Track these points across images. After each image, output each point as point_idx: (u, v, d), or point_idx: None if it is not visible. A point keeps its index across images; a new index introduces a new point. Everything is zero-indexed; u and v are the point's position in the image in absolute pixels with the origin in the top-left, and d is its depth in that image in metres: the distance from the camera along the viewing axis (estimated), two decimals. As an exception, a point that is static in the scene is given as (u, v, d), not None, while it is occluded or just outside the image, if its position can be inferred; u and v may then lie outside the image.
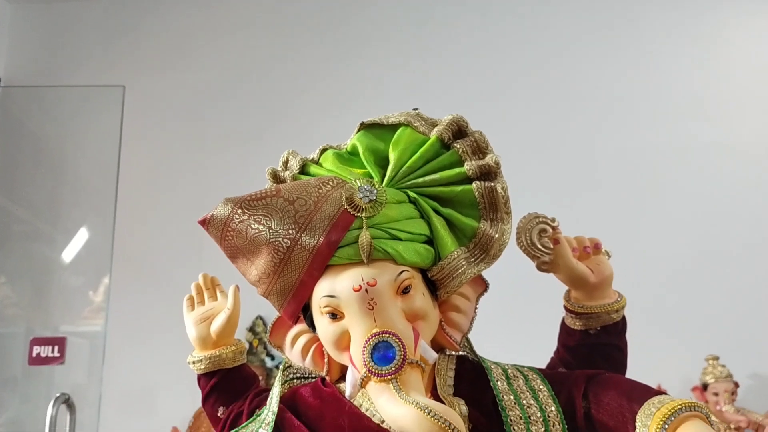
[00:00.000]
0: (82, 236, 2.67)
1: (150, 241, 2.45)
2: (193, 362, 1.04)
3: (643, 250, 2.16)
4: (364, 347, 0.78)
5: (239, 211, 0.84)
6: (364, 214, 0.82)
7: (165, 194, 2.47)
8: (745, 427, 2.02)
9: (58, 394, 2.08)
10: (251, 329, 2.50)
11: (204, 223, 0.86)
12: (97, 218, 2.62)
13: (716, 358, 2.10)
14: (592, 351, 0.93)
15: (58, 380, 2.45)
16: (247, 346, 2.44)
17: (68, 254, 2.67)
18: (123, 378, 2.35)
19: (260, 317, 2.45)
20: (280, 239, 0.82)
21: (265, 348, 2.50)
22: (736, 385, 2.09)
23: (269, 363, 2.46)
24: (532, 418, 0.80)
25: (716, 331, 2.18)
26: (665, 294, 2.18)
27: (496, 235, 0.86)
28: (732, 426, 2.01)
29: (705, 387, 2.08)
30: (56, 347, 2.33)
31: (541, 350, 1.01)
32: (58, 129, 2.73)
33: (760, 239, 2.25)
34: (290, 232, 0.82)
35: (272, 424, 0.85)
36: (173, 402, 2.10)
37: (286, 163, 0.95)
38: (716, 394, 2.05)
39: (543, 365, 0.95)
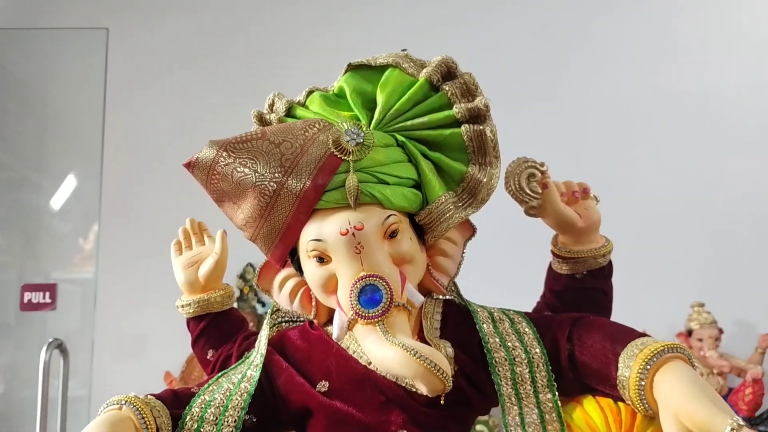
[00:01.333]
0: (70, 183, 2.64)
1: (138, 188, 2.43)
2: (182, 306, 1.04)
3: (631, 196, 2.16)
4: (351, 290, 0.78)
5: (224, 154, 0.82)
6: (351, 157, 0.81)
7: (152, 139, 2.43)
8: (728, 372, 2.06)
9: (51, 340, 2.10)
10: (242, 276, 2.51)
11: (189, 166, 0.85)
12: (85, 165, 2.59)
13: (701, 305, 2.14)
14: (578, 295, 0.94)
15: (51, 327, 2.47)
16: (237, 293, 2.46)
17: (57, 202, 2.65)
18: (115, 324, 2.37)
19: (250, 264, 2.45)
20: (266, 183, 0.81)
21: (255, 295, 2.52)
22: (720, 331, 2.13)
23: (260, 310, 2.48)
24: (516, 359, 0.81)
25: (702, 278, 2.21)
26: (652, 241, 2.20)
27: (485, 180, 0.85)
28: (715, 371, 2.06)
29: (690, 333, 2.12)
30: (47, 293, 2.34)
31: (528, 295, 1.02)
32: (41, 73, 2.67)
33: (747, 188, 2.26)
34: (276, 175, 0.81)
35: (260, 365, 0.86)
36: (165, 347, 2.13)
37: (271, 105, 0.93)
38: (700, 340, 2.09)
39: (529, 310, 0.95)
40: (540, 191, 0.91)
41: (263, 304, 2.45)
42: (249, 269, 2.47)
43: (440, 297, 0.91)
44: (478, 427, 2.12)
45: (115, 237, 2.41)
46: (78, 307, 2.49)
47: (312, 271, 0.83)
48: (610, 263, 0.96)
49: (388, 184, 0.82)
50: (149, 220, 2.29)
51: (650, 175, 2.28)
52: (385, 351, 0.75)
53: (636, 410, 0.73)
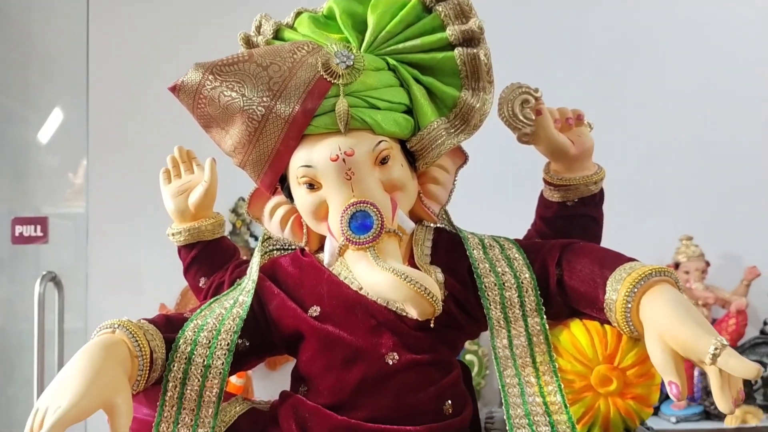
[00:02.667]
0: (56, 116, 2.59)
1: (126, 119, 2.38)
2: (173, 234, 1.04)
3: (623, 125, 2.14)
4: (342, 217, 0.78)
5: (210, 77, 0.80)
6: (340, 80, 0.79)
7: (138, 68, 2.37)
8: (713, 303, 2.10)
9: (44, 273, 2.11)
10: (234, 210, 2.50)
11: (174, 89, 0.83)
12: (70, 97, 2.53)
13: (690, 238, 2.15)
14: (569, 222, 0.94)
15: (44, 261, 2.47)
16: (229, 227, 2.46)
17: (44, 135, 2.60)
18: (109, 257, 2.37)
19: (242, 199, 2.45)
20: (254, 107, 0.79)
21: (248, 229, 2.52)
22: (707, 264, 2.16)
23: (252, 243, 2.48)
24: (506, 284, 0.82)
25: (691, 212, 2.22)
26: (643, 172, 2.19)
27: (477, 105, 0.84)
28: (700, 302, 2.10)
29: (677, 265, 2.15)
30: (38, 227, 2.33)
31: (519, 222, 1.02)
32: (22, 2, 2.58)
33: (739, 122, 2.24)
34: (264, 99, 0.79)
35: (252, 291, 0.87)
36: (160, 280, 2.14)
37: (259, 27, 0.90)
38: (687, 273, 2.12)
39: (520, 237, 0.96)
40: (533, 118, 0.90)
41: (256, 238, 2.46)
42: (241, 203, 2.47)
43: (431, 225, 0.91)
44: (468, 356, 2.17)
45: (105, 170, 2.38)
46: (70, 241, 2.49)
47: (302, 197, 0.83)
48: (601, 191, 0.96)
49: (379, 109, 0.81)
50: (139, 152, 2.25)
51: (645, 104, 2.25)
52: (375, 276, 0.76)
53: (622, 332, 0.75)
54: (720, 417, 2.00)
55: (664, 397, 2.07)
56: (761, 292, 2.12)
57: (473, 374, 2.02)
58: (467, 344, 2.17)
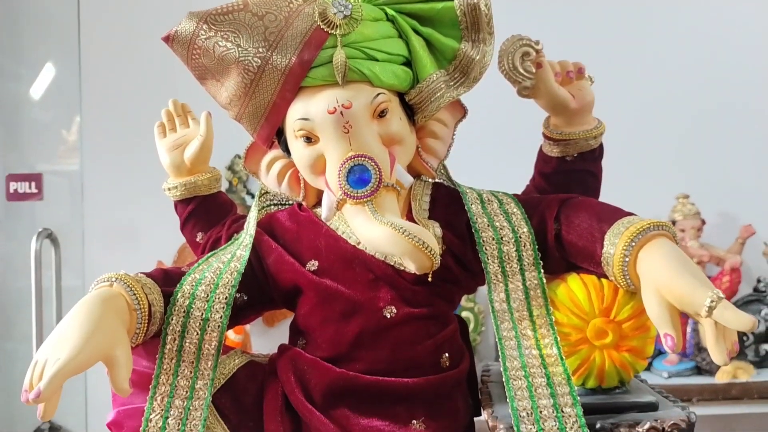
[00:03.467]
0: (48, 72, 2.55)
1: (119, 74, 2.34)
2: (169, 189, 1.03)
3: (622, 81, 2.12)
4: (340, 170, 0.77)
5: (205, 26, 0.78)
6: (338, 31, 0.78)
7: (130, 21, 2.32)
8: (707, 261, 2.12)
9: (40, 229, 2.10)
10: (230, 168, 2.49)
11: (168, 40, 0.81)
12: (62, 52, 2.49)
13: (686, 197, 2.16)
14: (568, 178, 0.94)
15: (40, 218, 2.46)
16: (226, 184, 2.45)
17: (36, 91, 2.56)
18: (105, 214, 2.36)
19: (239, 156, 2.43)
20: (249, 58, 0.78)
21: (245, 186, 2.51)
22: (703, 222, 2.16)
23: (249, 201, 2.48)
24: (504, 239, 0.81)
25: (688, 170, 2.21)
26: (641, 129, 2.18)
27: (477, 57, 0.82)
28: (695, 260, 2.11)
29: (673, 223, 2.16)
30: (33, 183, 2.32)
31: (518, 177, 1.02)
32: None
33: (738, 80, 2.21)
34: (260, 50, 0.77)
35: (250, 245, 0.86)
36: (157, 237, 2.13)
37: (253, -25, 0.88)
38: (683, 231, 2.12)
39: (518, 192, 0.95)
40: (534, 71, 0.89)
41: (252, 196, 2.45)
42: (237, 161, 2.45)
43: (429, 179, 0.91)
44: (464, 313, 2.18)
45: (99, 126, 2.35)
46: (66, 198, 2.47)
47: (299, 151, 0.82)
48: (601, 146, 0.95)
49: (377, 60, 0.79)
50: (133, 108, 2.22)
51: (647, 59, 2.23)
52: (373, 230, 0.75)
53: (618, 286, 0.75)
54: (711, 372, 2.03)
55: (657, 353, 2.11)
56: (756, 251, 2.13)
57: (469, 331, 2.05)
58: (464, 301, 2.19)
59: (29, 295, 2.02)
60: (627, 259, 0.71)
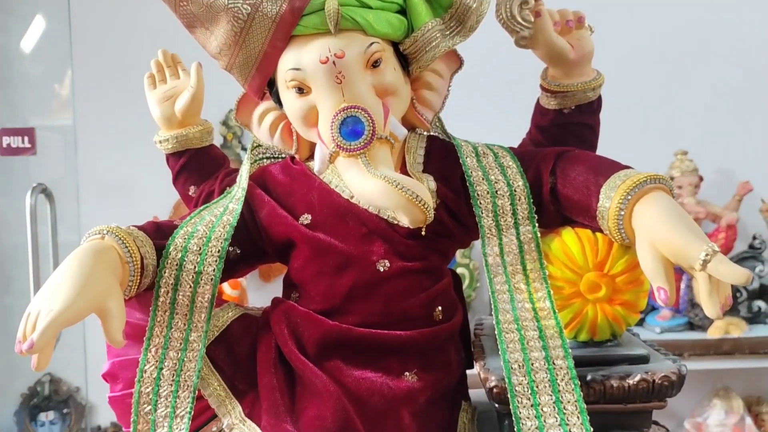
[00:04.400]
0: (38, 24, 2.50)
1: (109, 25, 2.29)
2: (160, 141, 1.02)
3: (625, 31, 2.08)
4: (332, 122, 0.76)
5: None
6: None
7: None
8: (703, 218, 2.12)
9: (35, 184, 2.09)
10: (224, 123, 2.46)
11: (155, -14, 0.78)
12: (52, 4, 2.43)
13: (684, 153, 2.14)
14: (565, 131, 0.92)
15: (34, 174, 2.45)
16: (220, 139, 2.43)
17: (27, 44, 2.52)
18: (99, 170, 2.35)
19: (233, 110, 2.40)
20: (239, 5, 0.75)
21: (239, 142, 2.48)
22: (701, 179, 2.16)
23: (244, 157, 2.46)
24: (498, 192, 0.81)
25: (687, 126, 2.20)
26: (640, 85, 2.15)
27: (474, 5, 0.80)
28: (691, 216, 2.11)
29: (671, 179, 2.15)
30: (26, 138, 2.29)
31: (514, 131, 1.00)
32: None
33: (738, 36, 2.18)
34: None
35: (242, 199, 0.86)
36: (152, 192, 2.11)
37: None
38: (680, 187, 2.12)
39: (515, 146, 0.94)
40: (532, 20, 0.86)
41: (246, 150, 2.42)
42: (231, 116, 2.42)
43: (424, 132, 0.89)
44: (459, 269, 2.20)
45: (91, 80, 2.32)
46: (59, 153, 2.45)
47: (291, 102, 0.80)
48: (599, 98, 0.93)
49: (371, 8, 0.77)
50: (125, 61, 2.18)
51: (646, 12, 2.18)
52: (366, 183, 0.74)
53: (613, 240, 0.74)
54: (703, 328, 2.06)
55: (650, 309, 2.13)
56: (752, 208, 2.13)
57: (464, 287, 2.06)
58: (459, 257, 2.20)
59: (26, 251, 2.02)
60: (622, 213, 0.70)
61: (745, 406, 2.13)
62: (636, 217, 0.70)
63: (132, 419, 0.77)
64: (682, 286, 2.06)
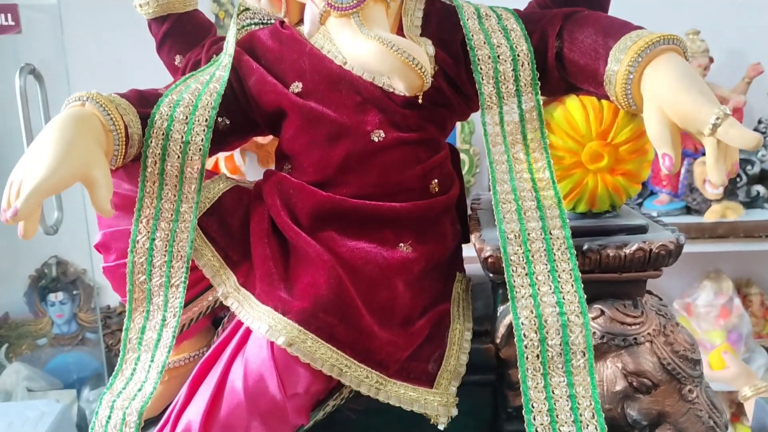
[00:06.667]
0: None
1: None
2: (140, 5, 0.95)
3: None
4: None
5: None
6: None
7: None
8: (710, 101, 2.07)
9: (23, 65, 2.03)
10: (215, 0, 2.35)
11: None
12: None
13: (696, 33, 2.06)
14: (574, -7, 0.86)
15: (23, 55, 2.37)
16: (213, 18, 2.32)
17: None
18: (87, 49, 2.27)
19: (225, -15, 2.28)
20: None
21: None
22: (711, 60, 2.08)
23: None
24: (500, 57, 0.76)
25: (700, 4, 2.10)
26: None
27: None
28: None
29: (679, 62, 2.07)
30: (9, 15, 2.18)
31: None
32: None
33: None
34: None
35: (229, 66, 0.81)
36: (143, 72, 2.04)
37: None
38: (689, 69, 2.05)
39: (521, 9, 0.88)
40: None
41: (240, 30, 2.32)
42: (223, -9, 2.30)
43: (422, -6, 0.83)
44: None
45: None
46: (46, 32, 2.36)
47: (279, -42, 0.74)
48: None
49: None
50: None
51: None
52: (360, 45, 0.69)
53: (619, 106, 0.71)
54: (701, 212, 2.06)
55: (648, 194, 2.12)
56: (760, 91, 2.08)
57: (464, 172, 2.04)
58: (459, 143, 2.16)
59: (19, 134, 1.99)
60: (631, 77, 0.66)
61: (734, 287, 2.17)
62: (645, 81, 0.66)
63: (128, 288, 0.77)
64: (682, 170, 2.05)
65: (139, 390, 0.74)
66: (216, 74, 0.81)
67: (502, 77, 0.76)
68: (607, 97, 0.72)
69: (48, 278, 2.57)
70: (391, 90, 0.77)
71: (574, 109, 0.75)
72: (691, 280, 2.19)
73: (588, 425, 0.66)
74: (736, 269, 2.25)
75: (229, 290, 0.78)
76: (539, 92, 0.76)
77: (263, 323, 0.71)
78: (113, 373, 0.77)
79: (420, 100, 0.76)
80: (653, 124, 0.64)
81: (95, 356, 2.59)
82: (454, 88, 0.79)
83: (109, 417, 0.74)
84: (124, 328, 0.78)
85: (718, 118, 0.59)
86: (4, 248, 2.53)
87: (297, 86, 0.80)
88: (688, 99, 0.61)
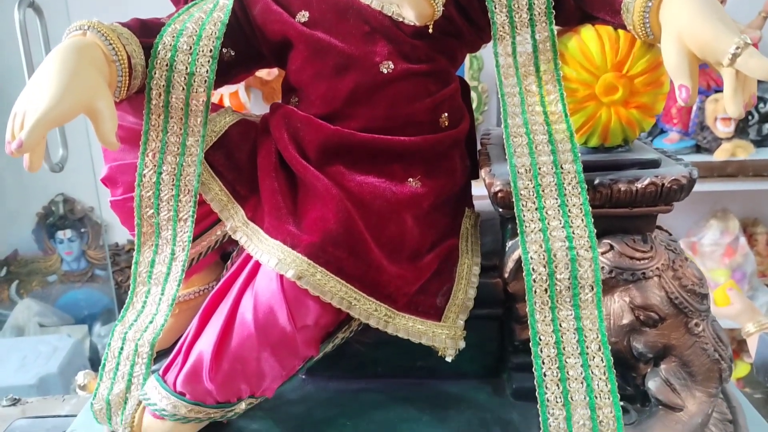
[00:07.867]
0: None
1: None
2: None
3: None
4: None
5: None
6: None
7: None
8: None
9: (19, -1, 1.97)
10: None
11: None
12: None
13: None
14: None
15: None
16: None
17: None
18: (85, -18, 2.20)
19: None
20: None
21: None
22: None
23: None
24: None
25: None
26: None
27: None
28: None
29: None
30: (2, -55, 2.12)
31: None
32: None
33: None
34: None
35: (233, -7, 0.79)
36: (143, 1, 2.00)
37: None
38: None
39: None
40: None
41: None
42: None
43: None
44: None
45: None
46: (42, -36, 2.29)
47: None
48: None
49: None
50: None
51: None
52: None
53: (636, 36, 0.69)
54: (711, 151, 2.04)
55: (658, 132, 2.10)
56: (777, 28, 2.02)
57: (473, 110, 2.01)
58: (468, 79, 2.12)
59: (21, 70, 1.96)
60: (650, 4, 0.64)
61: (741, 227, 2.17)
62: (664, 8, 0.63)
63: (136, 222, 0.77)
64: (694, 108, 2.01)
65: (151, 322, 0.75)
66: (220, 2, 0.78)
67: (516, 6, 0.73)
68: (623, 27, 0.70)
69: (56, 216, 2.59)
70: (401, 19, 0.75)
71: (589, 39, 0.73)
72: (698, 218, 2.19)
73: (594, 357, 0.67)
74: (743, 208, 2.24)
75: (238, 224, 0.78)
76: (554, 22, 0.74)
77: (272, 257, 0.71)
78: (124, 306, 0.78)
79: (430, 30, 0.74)
80: (671, 54, 0.62)
81: (105, 292, 2.63)
82: (466, 17, 0.77)
83: (122, 348, 0.75)
84: (133, 261, 0.78)
85: (738, 48, 0.57)
86: (11, 186, 2.53)
87: (303, 15, 0.77)
88: (708, 27, 0.59)
